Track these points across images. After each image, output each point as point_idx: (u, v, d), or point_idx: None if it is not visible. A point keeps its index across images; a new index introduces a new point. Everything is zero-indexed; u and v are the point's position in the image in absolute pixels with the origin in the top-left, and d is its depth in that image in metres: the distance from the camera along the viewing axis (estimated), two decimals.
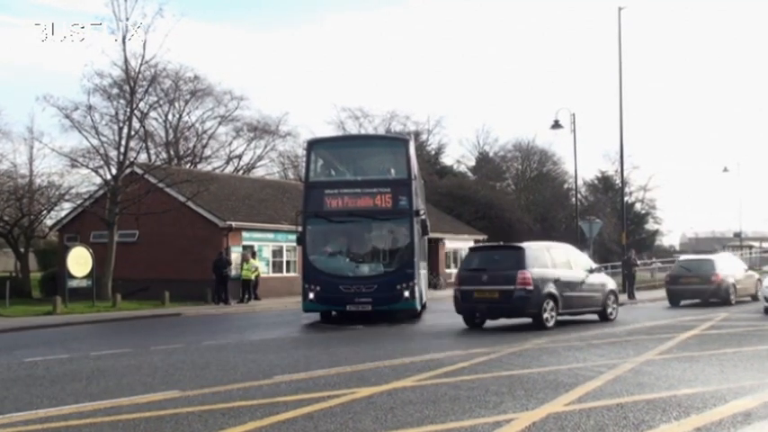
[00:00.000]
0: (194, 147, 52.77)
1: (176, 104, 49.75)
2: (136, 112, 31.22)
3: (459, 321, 19.61)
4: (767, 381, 8.83)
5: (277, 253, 34.55)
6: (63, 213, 36.90)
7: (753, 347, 12.15)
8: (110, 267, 29.34)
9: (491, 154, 69.24)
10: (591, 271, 18.47)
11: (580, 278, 17.87)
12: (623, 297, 28.93)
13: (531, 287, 16.21)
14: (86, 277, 26.60)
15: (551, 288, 16.66)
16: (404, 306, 19.22)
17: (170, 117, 50.60)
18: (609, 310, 18.48)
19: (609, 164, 72.75)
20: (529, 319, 16.69)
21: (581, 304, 17.86)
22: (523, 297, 16.20)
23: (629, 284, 29.24)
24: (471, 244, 49.38)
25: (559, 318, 16.81)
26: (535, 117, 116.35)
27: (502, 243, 19.55)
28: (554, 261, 17.49)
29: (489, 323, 17.59)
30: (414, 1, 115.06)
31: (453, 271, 47.03)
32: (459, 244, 48.14)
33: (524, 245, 17.67)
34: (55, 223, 37.47)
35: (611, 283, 19.37)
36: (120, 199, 29.75)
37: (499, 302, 16.60)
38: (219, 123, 53.00)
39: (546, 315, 16.39)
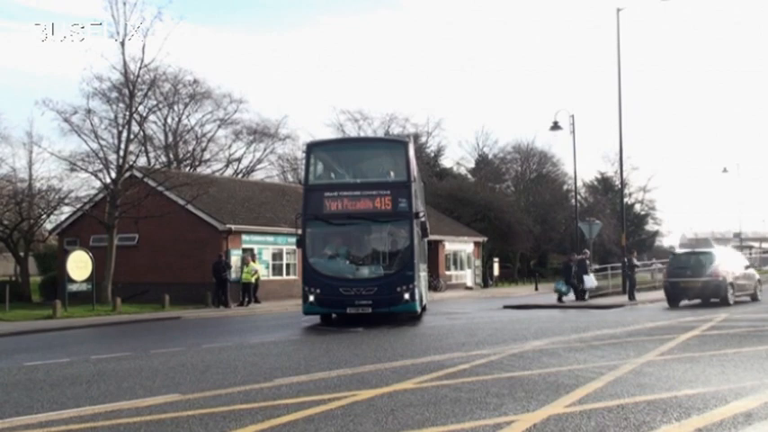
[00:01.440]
0: (194, 150, 52.81)
1: (175, 108, 49.79)
2: (135, 115, 31.25)
3: (459, 323, 19.61)
4: None
5: (277, 256, 34.55)
6: (63, 217, 36.93)
7: (753, 348, 12.14)
8: (109, 271, 29.34)
9: (490, 156, 69.35)
10: (747, 267, 26.22)
11: (742, 272, 25.68)
12: (623, 298, 28.97)
13: (721, 278, 23.99)
14: (86, 281, 26.59)
15: (731, 278, 24.40)
16: (404, 308, 19.19)
17: (169, 120, 50.68)
18: (759, 294, 26.36)
19: (608, 165, 73.05)
20: (688, 301, 24.87)
21: (743, 289, 25.48)
22: (717, 285, 23.97)
23: (629, 286, 29.23)
24: (471, 246, 49.54)
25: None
26: (534, 119, 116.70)
27: (697, 249, 26.58)
28: (729, 260, 25.33)
29: (684, 303, 24.94)
30: (413, 3, 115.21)
31: (453, 273, 47.29)
32: (459, 246, 48.19)
33: (713, 250, 25.46)
34: (54, 227, 37.47)
35: (757, 275, 27.14)
36: (120, 202, 29.74)
37: (699, 289, 24.31)
38: (219, 126, 53.07)
39: (729, 297, 24.00)
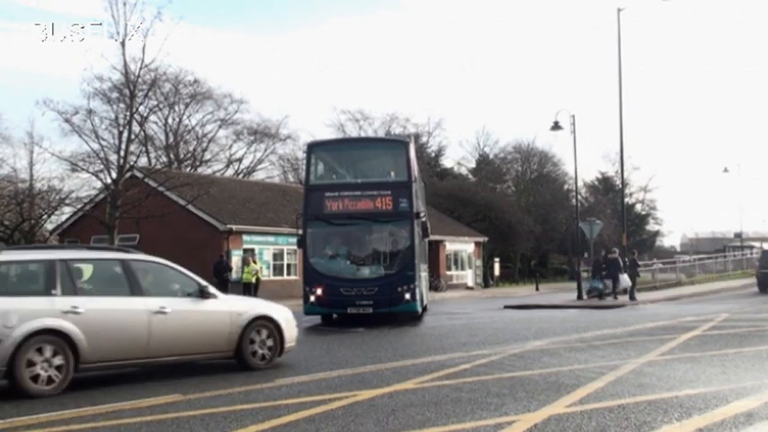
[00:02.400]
0: (194, 150, 52.84)
1: (176, 108, 49.81)
2: (136, 115, 31.23)
3: (460, 323, 19.61)
4: None
5: (277, 256, 34.56)
6: (63, 218, 36.93)
7: (754, 348, 12.14)
8: None
9: (491, 156, 69.33)
10: None
11: None
12: (624, 298, 28.95)
13: None
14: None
15: None
16: (405, 308, 19.19)
17: (170, 121, 50.69)
18: None
19: (609, 165, 72.96)
20: None
21: None
22: None
23: (630, 285, 29.22)
24: (472, 246, 49.54)
25: None
26: (535, 119, 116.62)
27: None
28: None
29: None
30: (413, 3, 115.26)
31: (454, 273, 47.30)
32: (460, 246, 48.20)
33: None
34: (55, 228, 37.46)
35: None
36: (121, 203, 29.73)
37: None
38: (219, 127, 53.11)
39: None
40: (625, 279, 29.82)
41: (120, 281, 10.04)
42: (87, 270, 10.15)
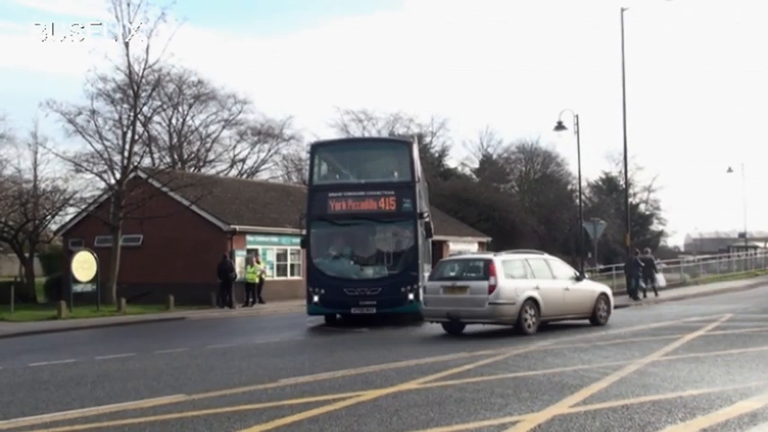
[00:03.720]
0: (198, 151, 52.79)
1: (180, 108, 49.74)
2: (139, 116, 31.26)
3: None
4: None
5: (281, 256, 34.54)
6: (67, 218, 36.93)
7: (758, 348, 12.11)
8: (114, 272, 29.37)
9: (495, 156, 69.19)
10: None
11: None
12: (624, 299, 28.86)
13: None
14: (91, 282, 26.62)
15: None
16: (408, 309, 19.19)
17: (174, 121, 50.64)
18: None
19: (613, 165, 72.72)
20: None
21: None
22: None
23: (633, 285, 29.12)
24: (475, 246, 49.45)
25: None
26: (539, 118, 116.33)
27: None
28: None
29: None
30: (413, 3, 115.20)
31: None
32: (463, 246, 48.12)
33: None
34: (59, 228, 37.49)
35: None
36: (125, 203, 29.78)
37: None
38: (223, 127, 53.03)
39: None
40: (661, 278, 30.31)
41: (546, 270, 16.50)
42: (533, 264, 16.40)
